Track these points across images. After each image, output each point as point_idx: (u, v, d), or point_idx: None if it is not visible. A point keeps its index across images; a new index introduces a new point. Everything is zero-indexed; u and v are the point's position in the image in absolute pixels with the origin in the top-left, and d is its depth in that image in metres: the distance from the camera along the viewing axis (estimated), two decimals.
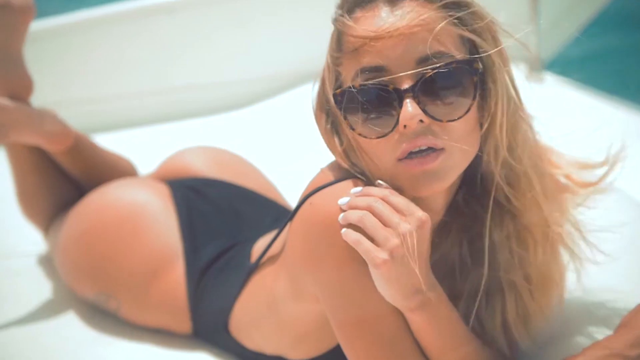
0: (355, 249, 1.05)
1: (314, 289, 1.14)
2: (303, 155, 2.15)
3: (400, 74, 1.04)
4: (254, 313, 1.37)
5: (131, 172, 1.90)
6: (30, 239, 1.91)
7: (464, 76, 1.05)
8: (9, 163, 1.83)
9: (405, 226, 1.04)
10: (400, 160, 1.06)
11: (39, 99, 1.76)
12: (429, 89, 1.04)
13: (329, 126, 1.13)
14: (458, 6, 1.07)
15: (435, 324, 1.09)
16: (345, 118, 1.07)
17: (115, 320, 1.62)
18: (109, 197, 1.66)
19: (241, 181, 1.77)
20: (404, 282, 1.05)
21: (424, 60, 1.04)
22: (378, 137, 1.06)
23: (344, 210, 1.08)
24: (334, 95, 1.08)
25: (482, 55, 1.07)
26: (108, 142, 2.01)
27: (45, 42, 2.19)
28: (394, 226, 1.04)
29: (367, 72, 1.05)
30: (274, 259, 1.34)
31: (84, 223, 1.65)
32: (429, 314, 1.08)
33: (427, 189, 1.07)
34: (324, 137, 1.15)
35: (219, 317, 1.45)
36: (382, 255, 1.03)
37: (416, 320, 1.09)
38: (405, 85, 1.04)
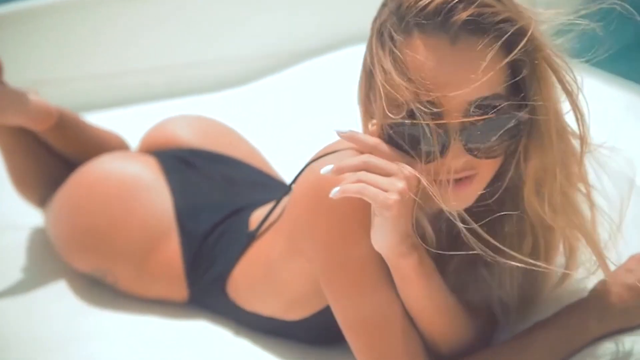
0: (361, 197, 1.05)
1: (305, 248, 1.20)
2: (300, 133, 2.17)
3: (455, 121, 1.03)
4: (252, 277, 1.42)
5: (121, 147, 1.88)
6: (23, 213, 1.89)
7: (510, 121, 1.05)
8: None
9: (407, 169, 1.06)
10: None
11: (35, 76, 1.76)
12: (476, 132, 1.05)
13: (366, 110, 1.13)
14: (515, 36, 1.03)
15: (423, 269, 1.11)
16: (389, 141, 1.08)
17: (109, 291, 1.63)
18: (97, 171, 1.65)
19: (227, 150, 1.77)
20: (402, 225, 1.07)
21: (476, 103, 1.04)
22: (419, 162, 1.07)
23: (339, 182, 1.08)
24: (386, 127, 1.07)
25: (532, 97, 1.06)
26: (101, 120, 2.00)
27: (43, 19, 2.20)
28: (396, 172, 1.05)
29: (418, 103, 1.04)
30: (273, 224, 1.39)
31: (74, 199, 1.64)
32: (419, 258, 1.10)
33: (458, 207, 1.10)
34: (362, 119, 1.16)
35: (217, 281, 1.48)
36: (393, 196, 1.03)
37: (406, 267, 1.10)
38: (455, 127, 1.04)
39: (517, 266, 1.14)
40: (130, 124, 2.14)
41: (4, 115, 1.66)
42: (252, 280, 1.43)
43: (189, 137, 1.77)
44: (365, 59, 1.12)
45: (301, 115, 2.33)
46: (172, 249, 1.56)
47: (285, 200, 1.34)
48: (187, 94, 2.58)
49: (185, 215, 1.58)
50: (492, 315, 1.25)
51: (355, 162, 1.07)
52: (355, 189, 1.04)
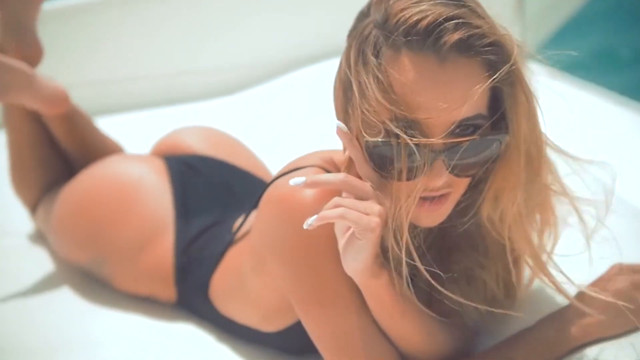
0: (343, 221, 1.03)
1: (272, 267, 1.19)
2: (293, 141, 2.20)
3: (442, 141, 1.02)
4: (229, 284, 1.44)
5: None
6: (22, 218, 1.95)
7: (493, 142, 1.06)
8: (6, 133, 1.87)
9: (378, 194, 1.06)
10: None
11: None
12: (459, 151, 1.04)
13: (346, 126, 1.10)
14: (500, 59, 1.04)
15: (394, 288, 1.10)
16: (369, 160, 1.07)
17: (105, 294, 1.67)
18: (106, 169, 1.71)
19: (234, 160, 1.81)
20: (375, 247, 1.07)
21: (461, 123, 1.03)
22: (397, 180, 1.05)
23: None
24: (366, 144, 1.04)
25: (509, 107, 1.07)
26: (104, 124, 2.04)
27: (55, 23, 2.22)
28: (372, 195, 1.05)
29: (400, 122, 1.02)
30: (245, 234, 1.40)
31: (81, 193, 1.70)
32: (389, 276, 1.09)
33: (431, 224, 1.11)
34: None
35: (200, 284, 1.51)
36: (375, 218, 1.02)
37: (378, 287, 1.10)
38: (438, 146, 1.03)
39: (497, 274, 1.18)
40: (124, 131, 2.17)
41: (22, 94, 1.73)
42: (228, 288, 1.45)
43: (198, 145, 1.83)
44: (341, 73, 1.09)
45: (295, 123, 2.36)
46: (166, 248, 1.59)
47: (254, 214, 1.33)
48: (181, 101, 2.61)
49: (182, 216, 1.62)
50: (469, 325, 1.25)
51: (332, 178, 1.05)
52: (336, 213, 1.02)
